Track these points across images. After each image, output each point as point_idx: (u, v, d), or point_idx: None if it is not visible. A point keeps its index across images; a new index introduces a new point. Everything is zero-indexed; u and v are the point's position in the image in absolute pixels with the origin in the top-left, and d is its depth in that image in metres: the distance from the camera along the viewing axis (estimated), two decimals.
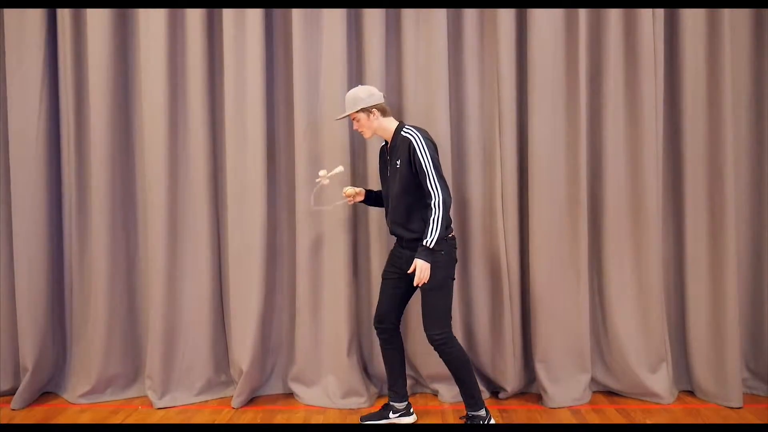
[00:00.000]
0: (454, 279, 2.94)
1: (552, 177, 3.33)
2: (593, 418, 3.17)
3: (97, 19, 3.38)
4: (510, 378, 3.39)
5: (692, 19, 3.33)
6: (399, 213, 2.92)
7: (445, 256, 2.84)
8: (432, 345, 2.86)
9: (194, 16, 3.39)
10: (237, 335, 3.46)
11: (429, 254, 2.76)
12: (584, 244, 3.32)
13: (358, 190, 3.12)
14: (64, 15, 3.48)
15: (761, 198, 3.44)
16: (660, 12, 3.32)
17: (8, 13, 3.46)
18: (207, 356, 3.51)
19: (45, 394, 3.59)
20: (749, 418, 3.13)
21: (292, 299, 3.54)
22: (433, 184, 2.78)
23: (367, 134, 2.99)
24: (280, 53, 3.53)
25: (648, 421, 3.10)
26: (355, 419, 3.19)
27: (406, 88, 3.42)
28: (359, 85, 3.03)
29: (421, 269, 2.76)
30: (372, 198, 3.17)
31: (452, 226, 2.98)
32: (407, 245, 2.94)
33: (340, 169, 3.15)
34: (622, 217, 3.37)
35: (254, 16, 3.34)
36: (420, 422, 3.15)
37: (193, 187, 3.47)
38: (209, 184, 3.49)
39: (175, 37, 3.43)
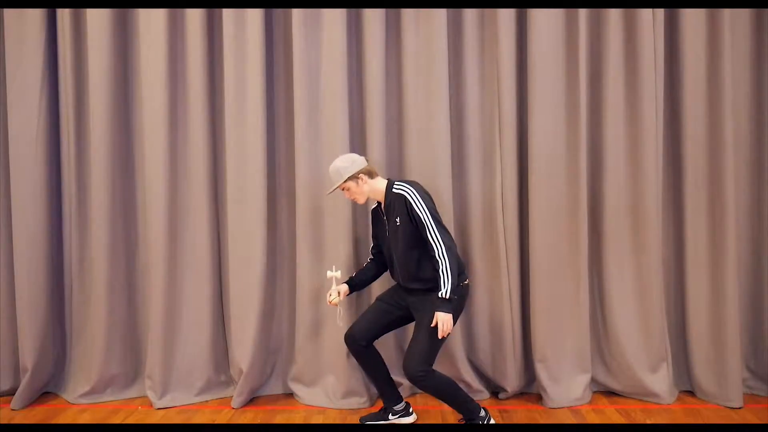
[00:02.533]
0: (455, 324, 2.93)
1: (552, 177, 3.33)
2: (593, 418, 3.17)
3: (97, 20, 3.38)
4: (510, 378, 3.39)
5: (692, 19, 3.32)
6: (409, 268, 2.89)
7: (455, 301, 2.82)
8: (410, 381, 2.81)
9: (194, 17, 3.39)
10: (237, 335, 3.46)
11: (448, 305, 2.73)
12: (584, 244, 3.32)
13: (342, 291, 3.08)
14: (64, 15, 3.48)
15: (761, 198, 3.44)
16: (660, 12, 3.32)
17: (8, 13, 3.46)
18: (207, 356, 3.51)
19: (45, 394, 3.59)
20: (749, 418, 3.13)
21: (292, 299, 3.54)
22: (434, 235, 2.76)
23: (360, 200, 2.98)
24: (280, 53, 3.53)
25: (648, 421, 3.10)
26: (355, 419, 3.19)
27: (406, 88, 3.41)
28: (338, 157, 3.01)
29: (444, 321, 2.72)
30: (357, 286, 3.15)
31: (466, 272, 2.97)
32: (416, 294, 2.92)
33: (336, 273, 3.11)
34: (622, 217, 3.37)
35: (254, 16, 3.34)
36: (420, 422, 3.15)
37: (193, 187, 3.47)
38: (209, 184, 3.49)
39: (175, 38, 3.43)
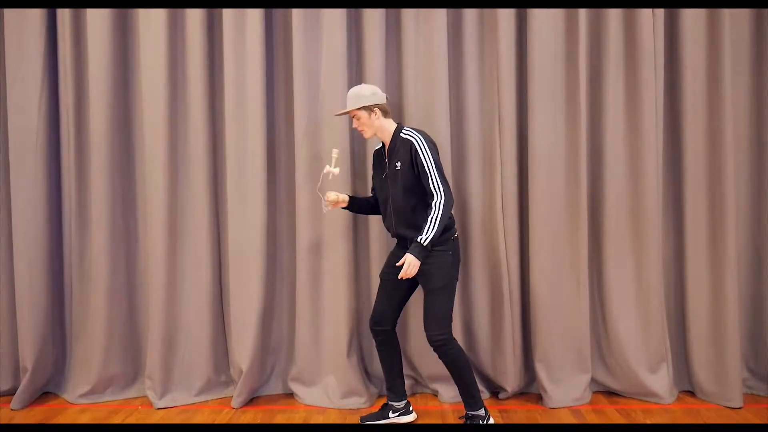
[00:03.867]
0: (458, 280, 2.93)
1: (552, 177, 3.33)
2: (593, 418, 3.17)
3: (97, 19, 3.38)
4: (510, 378, 3.39)
5: (692, 19, 3.32)
6: (403, 214, 2.90)
7: (451, 257, 2.84)
8: (431, 346, 2.85)
9: (194, 16, 3.39)
10: (237, 335, 3.46)
11: (421, 251, 2.74)
12: (584, 244, 3.32)
13: (342, 197, 3.07)
14: (64, 15, 3.48)
15: (761, 198, 3.44)
16: (660, 12, 3.32)
17: (8, 13, 3.46)
18: (207, 356, 3.51)
19: (45, 394, 3.60)
20: (749, 418, 3.13)
21: (292, 299, 3.54)
22: (436, 184, 2.77)
23: (367, 133, 2.97)
24: (280, 53, 3.53)
25: (648, 421, 3.10)
26: (355, 419, 3.19)
27: (406, 88, 3.41)
28: (363, 84, 3.02)
29: (410, 264, 2.73)
30: (355, 205, 3.14)
31: (456, 227, 2.97)
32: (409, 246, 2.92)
33: (335, 152, 3.06)
34: (622, 217, 3.37)
35: (254, 16, 3.34)
36: (420, 422, 3.15)
37: (193, 187, 3.47)
38: (209, 184, 3.49)
39: (175, 37, 3.43)
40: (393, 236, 3.04)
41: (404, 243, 2.97)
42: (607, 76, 3.35)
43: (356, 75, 3.46)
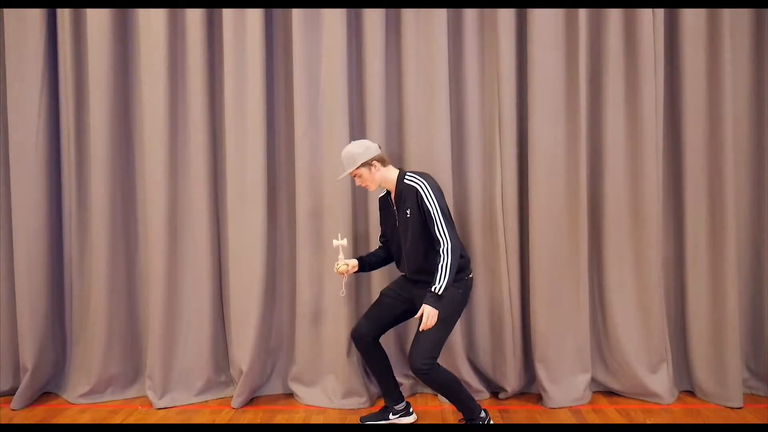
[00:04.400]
0: (459, 317, 2.93)
1: (552, 177, 3.33)
2: (593, 418, 3.17)
3: (97, 20, 3.38)
4: (510, 378, 3.39)
5: (692, 19, 3.32)
6: (416, 260, 2.89)
7: (460, 295, 2.83)
8: (415, 374, 2.81)
9: (194, 16, 3.39)
10: (237, 335, 3.46)
11: (438, 301, 2.72)
12: (584, 244, 3.32)
13: (351, 264, 3.05)
14: (64, 15, 3.48)
15: (761, 198, 3.44)
16: (660, 12, 3.32)
17: (8, 13, 3.46)
18: (207, 356, 3.51)
19: (45, 394, 3.59)
20: (749, 418, 3.13)
21: (292, 299, 3.54)
22: (442, 231, 2.75)
23: (371, 187, 2.96)
24: (280, 53, 3.52)
25: (648, 421, 3.10)
26: (355, 419, 3.19)
27: (406, 88, 3.41)
28: (351, 142, 3.00)
29: (428, 316, 2.72)
30: (366, 265, 3.13)
31: (470, 267, 2.97)
32: (421, 286, 2.90)
33: (342, 242, 3.05)
34: (622, 217, 3.37)
35: (254, 16, 3.34)
36: (420, 422, 3.15)
37: (193, 187, 3.47)
38: (209, 184, 3.49)
39: (175, 38, 3.43)
40: (407, 281, 3.02)
41: (417, 283, 2.95)
42: (607, 76, 3.34)
43: (356, 75, 3.46)
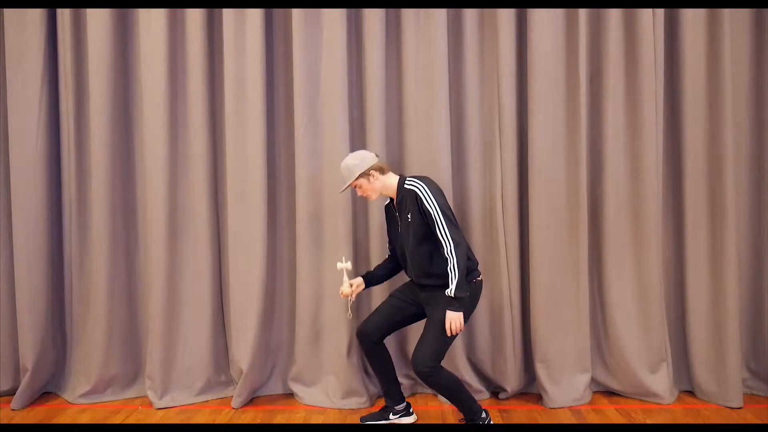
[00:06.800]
0: (467, 321, 2.93)
1: (552, 177, 3.33)
2: (593, 418, 3.17)
3: (97, 19, 3.38)
4: (510, 378, 3.39)
5: (692, 19, 3.32)
6: (421, 264, 2.88)
7: (467, 299, 2.82)
8: (417, 375, 2.81)
9: (194, 16, 3.39)
10: (237, 335, 3.46)
11: (456, 303, 2.73)
12: (584, 244, 3.32)
13: (356, 283, 3.06)
14: (64, 15, 3.48)
15: (761, 198, 3.44)
16: (660, 12, 3.32)
17: (8, 13, 3.46)
18: (207, 356, 3.51)
19: (45, 394, 3.59)
20: (749, 418, 3.13)
21: (292, 299, 3.54)
22: (444, 232, 2.75)
23: (373, 197, 2.96)
24: (280, 53, 3.52)
25: (648, 421, 3.10)
26: (355, 419, 3.19)
27: (406, 88, 3.41)
28: (349, 154, 3.00)
29: (452, 320, 2.73)
30: (373, 281, 3.13)
31: (479, 269, 2.97)
32: (428, 290, 2.90)
33: (347, 264, 3.06)
34: (622, 217, 3.37)
35: (254, 16, 3.34)
36: (420, 422, 3.15)
37: (193, 187, 3.47)
38: (209, 184, 3.49)
39: (175, 37, 3.43)
40: (415, 285, 3.01)
41: (422, 287, 2.95)
42: (607, 76, 3.34)
43: (356, 75, 3.46)
